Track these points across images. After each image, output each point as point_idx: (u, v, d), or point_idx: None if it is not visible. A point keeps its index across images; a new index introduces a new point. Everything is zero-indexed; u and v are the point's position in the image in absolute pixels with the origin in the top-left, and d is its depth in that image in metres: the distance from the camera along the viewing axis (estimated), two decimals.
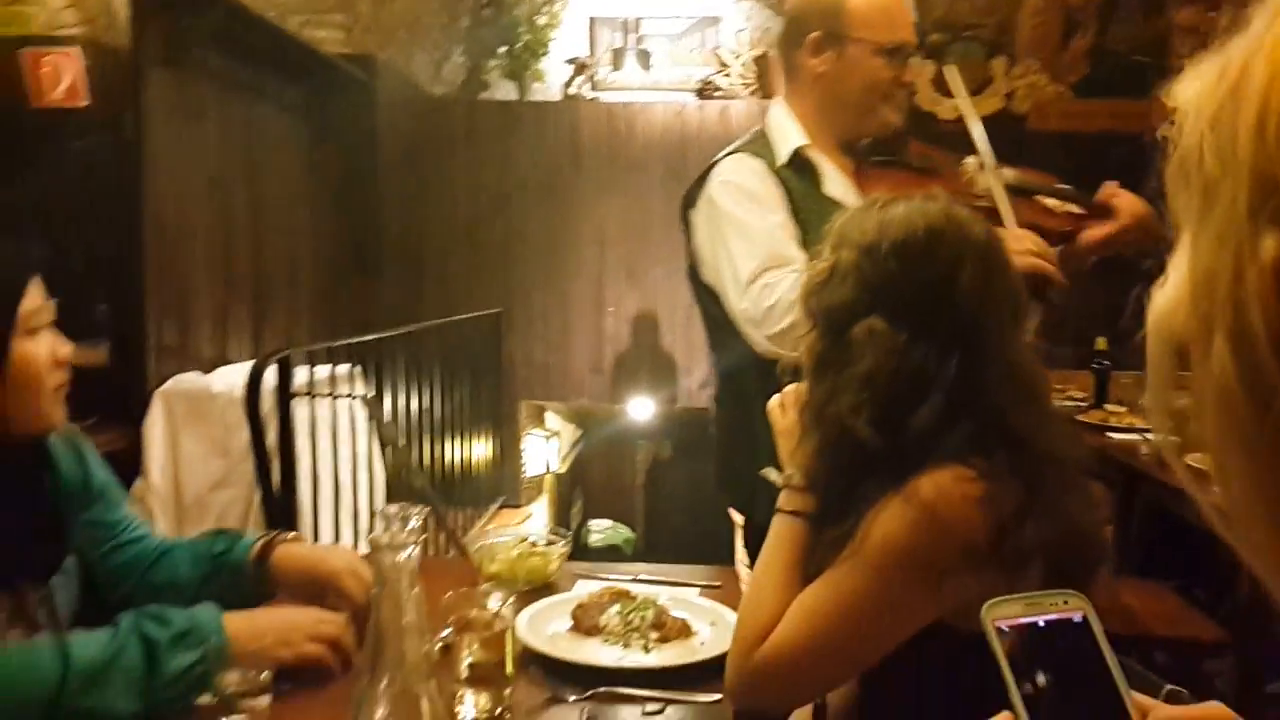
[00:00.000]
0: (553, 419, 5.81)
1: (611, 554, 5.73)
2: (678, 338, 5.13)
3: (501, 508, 4.94)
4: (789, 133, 1.76)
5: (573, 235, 5.11)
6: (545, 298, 5.16)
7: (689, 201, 1.84)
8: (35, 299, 1.22)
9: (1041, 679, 0.56)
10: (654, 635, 1.37)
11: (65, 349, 1.27)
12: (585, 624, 1.40)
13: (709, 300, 1.82)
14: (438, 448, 4.07)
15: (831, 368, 1.13)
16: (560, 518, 5.78)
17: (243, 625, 1.22)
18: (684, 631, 1.39)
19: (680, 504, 7.27)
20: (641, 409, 5.34)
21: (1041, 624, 0.58)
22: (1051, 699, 0.55)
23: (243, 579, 1.41)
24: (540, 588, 1.59)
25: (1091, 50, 4.02)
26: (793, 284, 1.52)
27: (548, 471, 5.54)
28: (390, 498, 3.59)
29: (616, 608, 1.42)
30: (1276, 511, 0.34)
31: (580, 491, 6.38)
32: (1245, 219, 0.33)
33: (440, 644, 1.20)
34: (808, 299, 1.17)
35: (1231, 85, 0.34)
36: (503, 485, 5.09)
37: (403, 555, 0.97)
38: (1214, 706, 0.64)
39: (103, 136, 3.08)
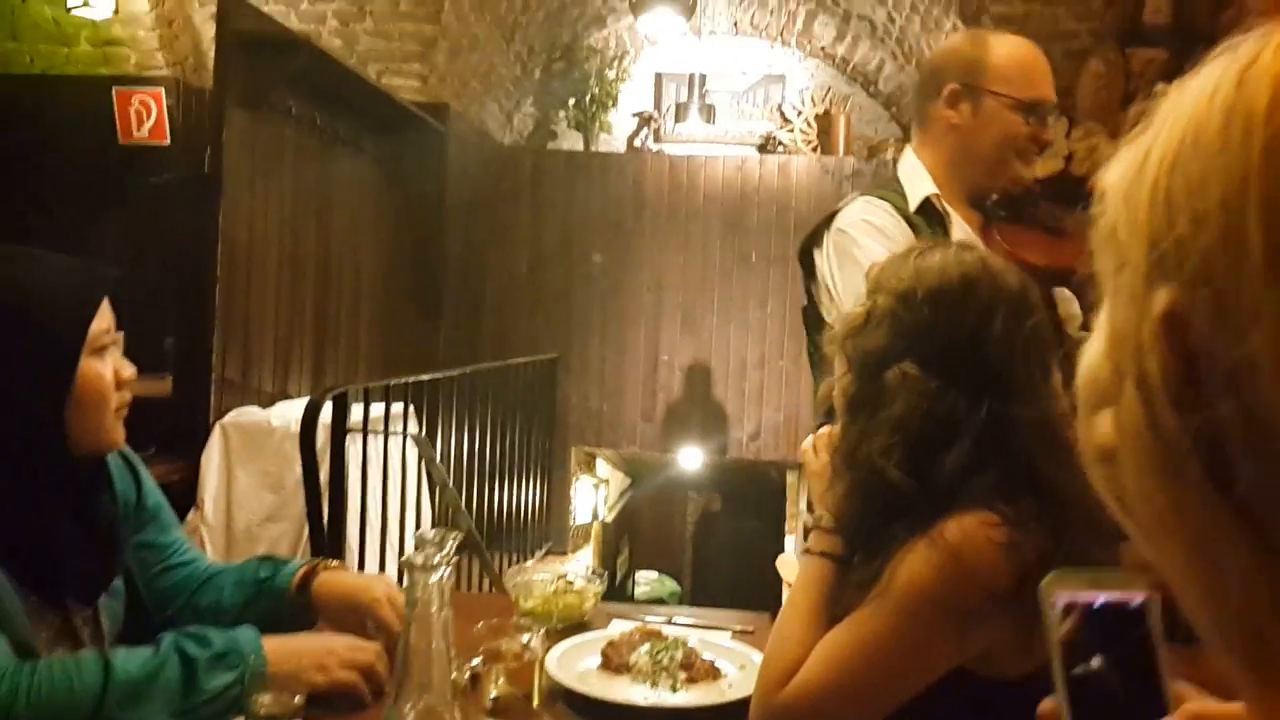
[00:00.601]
0: (603, 466, 5.82)
1: (659, 605, 5.70)
2: (730, 389, 5.14)
3: (547, 554, 4.94)
4: (920, 180, 1.75)
5: (631, 283, 5.18)
6: (601, 344, 5.21)
7: (813, 241, 1.81)
8: (105, 319, 1.27)
9: (1091, 663, 0.57)
10: (682, 676, 1.37)
11: (129, 370, 1.32)
12: (615, 662, 1.41)
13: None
14: (487, 490, 4.10)
15: (864, 411, 1.14)
16: (606, 566, 5.77)
17: (280, 648, 1.24)
18: (712, 673, 1.39)
19: (728, 557, 7.22)
20: (692, 459, 5.34)
21: (1098, 605, 0.59)
22: (1096, 683, 0.56)
23: (284, 605, 1.43)
24: (575, 625, 1.60)
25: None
26: None
27: (595, 519, 5.54)
28: None
29: (646, 647, 1.42)
30: (1185, 543, 0.37)
31: (627, 540, 6.37)
32: (1143, 278, 0.38)
33: (469, 673, 1.22)
34: (844, 342, 1.19)
35: (1139, 165, 0.39)
36: (550, 531, 5.10)
37: (434, 577, 0.99)
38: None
39: (183, 172, 3.21)
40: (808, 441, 1.28)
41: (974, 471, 1.06)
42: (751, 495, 6.60)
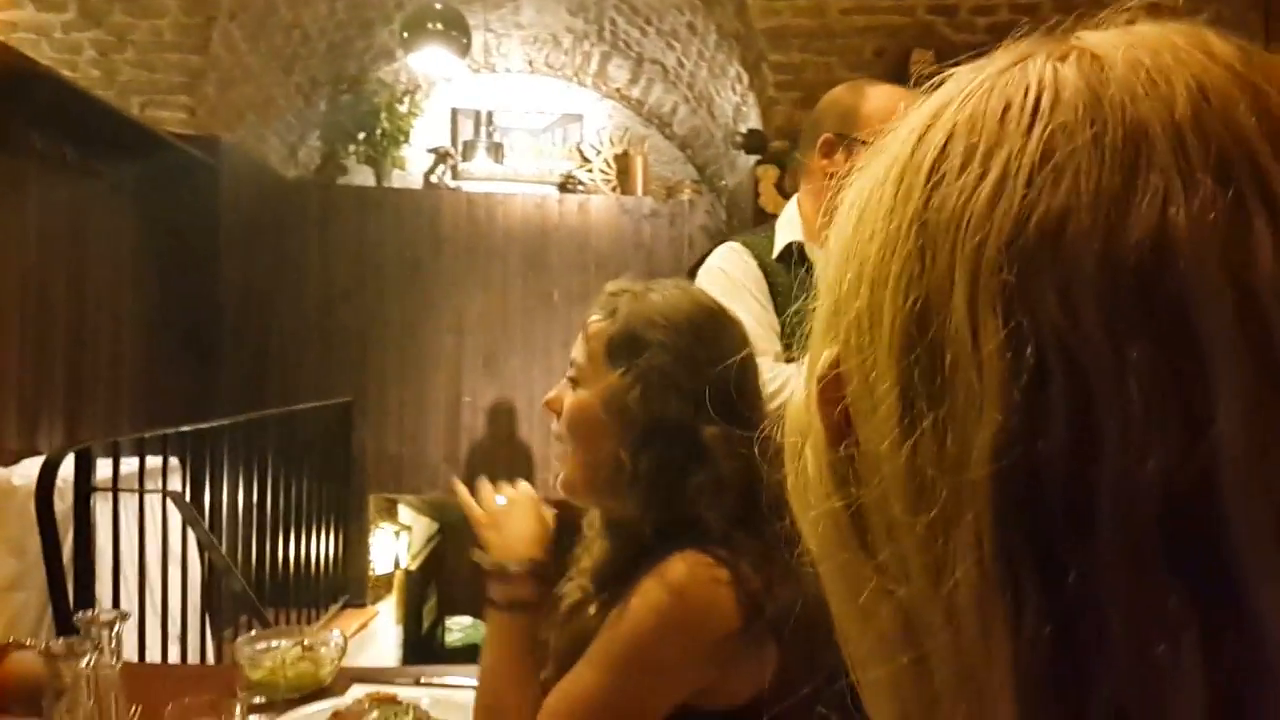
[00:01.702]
0: (405, 513, 5.64)
1: (473, 654, 5.53)
2: (535, 428, 5.08)
3: (345, 607, 4.71)
4: (790, 228, 1.80)
5: (430, 324, 5.05)
6: (400, 387, 5.05)
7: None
8: None
9: None
10: None
11: None
12: None
13: None
14: (271, 545, 3.87)
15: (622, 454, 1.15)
16: (411, 616, 5.56)
17: None
18: None
19: None
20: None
21: None
22: None
23: None
24: (312, 695, 1.49)
25: None
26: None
27: (397, 568, 5.34)
28: (208, 600, 3.39)
29: (374, 714, 1.34)
30: (851, 606, 0.34)
31: (434, 588, 6.17)
32: (820, 336, 0.35)
33: None
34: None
35: (845, 203, 0.36)
36: (347, 584, 4.87)
37: (82, 663, 0.89)
38: None
39: None
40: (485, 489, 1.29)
41: (712, 503, 1.07)
42: (562, 538, 6.54)
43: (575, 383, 1.21)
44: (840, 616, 0.36)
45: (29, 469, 3.07)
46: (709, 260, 1.82)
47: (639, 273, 5.05)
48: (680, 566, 1.06)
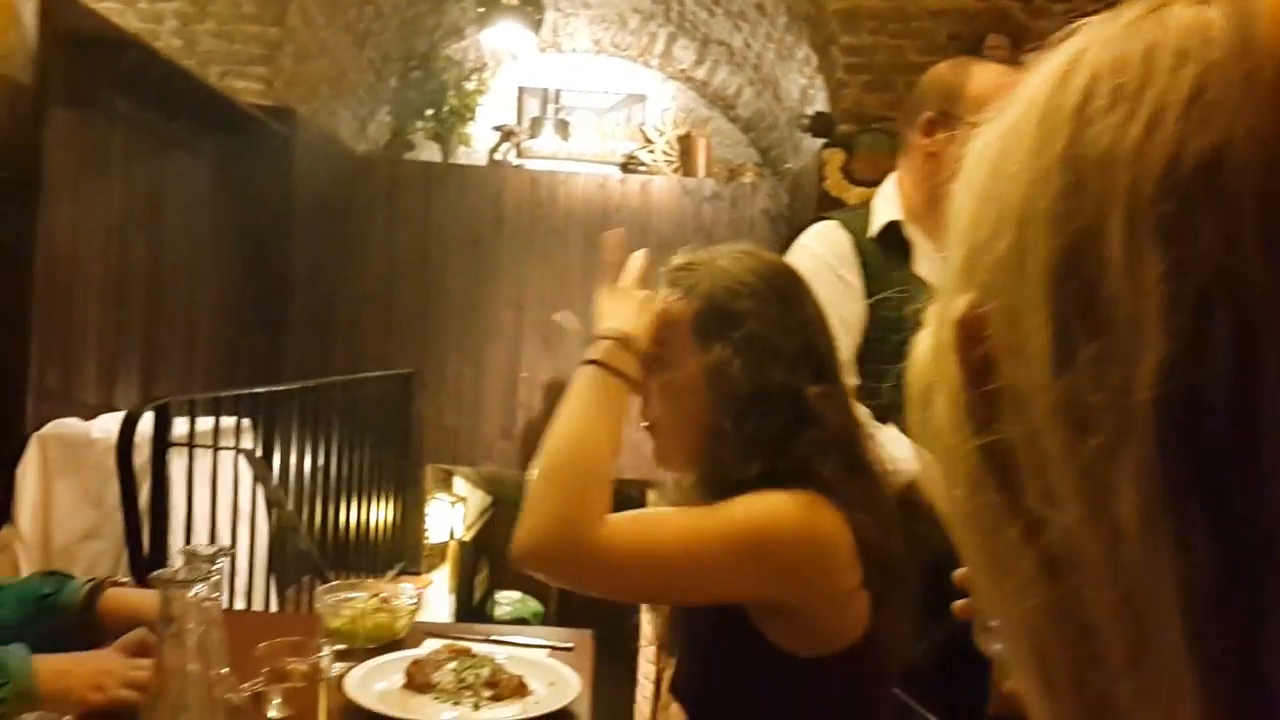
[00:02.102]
0: (460, 484, 5.72)
1: (519, 625, 5.62)
2: None
3: (400, 574, 4.81)
4: (888, 207, 1.75)
5: (490, 299, 5.11)
6: (459, 360, 5.12)
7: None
8: None
9: None
10: (486, 693, 1.34)
11: None
12: (418, 681, 1.36)
13: None
14: (335, 509, 3.96)
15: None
16: (463, 586, 5.66)
17: (53, 668, 1.20)
18: (519, 690, 1.36)
19: None
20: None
21: None
22: None
23: (68, 622, 1.38)
24: (387, 646, 1.54)
25: None
26: None
27: (451, 538, 5.43)
28: (273, 558, 3.48)
29: (453, 665, 1.38)
30: (984, 551, 0.35)
31: (486, 560, 6.26)
32: (955, 275, 0.36)
33: (247, 693, 1.16)
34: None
35: (976, 150, 0.37)
36: (403, 551, 4.97)
37: (190, 592, 0.93)
38: None
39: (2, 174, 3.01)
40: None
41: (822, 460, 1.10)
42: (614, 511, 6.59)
43: (656, 366, 1.20)
44: (975, 560, 0.36)
45: (107, 424, 3.18)
46: (801, 237, 1.78)
47: None
48: (804, 495, 1.08)
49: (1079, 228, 0.31)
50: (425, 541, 5.24)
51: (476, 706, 1.32)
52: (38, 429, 3.09)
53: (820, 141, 4.34)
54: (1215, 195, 0.28)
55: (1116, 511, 0.29)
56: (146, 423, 2.75)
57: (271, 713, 1.12)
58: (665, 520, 1.12)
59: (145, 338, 3.66)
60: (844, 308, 1.63)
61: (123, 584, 1.44)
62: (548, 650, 1.57)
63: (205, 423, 3.07)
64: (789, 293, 1.18)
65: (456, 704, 1.32)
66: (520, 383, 5.14)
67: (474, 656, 1.42)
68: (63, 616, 1.38)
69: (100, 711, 1.18)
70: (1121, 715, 0.30)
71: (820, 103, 4.42)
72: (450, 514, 5.43)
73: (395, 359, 4.87)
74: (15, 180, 3.05)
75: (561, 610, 7.10)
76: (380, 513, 4.60)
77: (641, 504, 5.95)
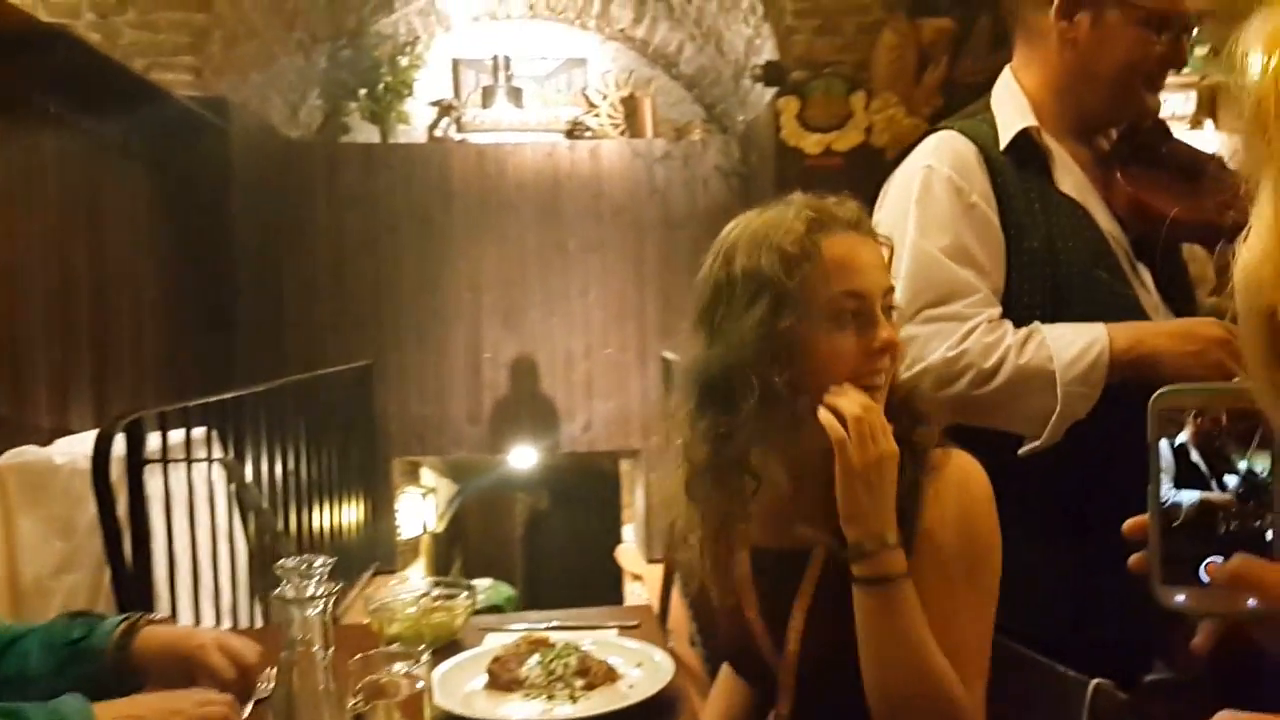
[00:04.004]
0: (429, 475, 5.58)
1: (493, 614, 5.51)
2: (558, 382, 5.02)
3: (376, 574, 4.67)
4: (1016, 110, 1.42)
5: (445, 281, 4.96)
6: (418, 347, 4.97)
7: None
8: None
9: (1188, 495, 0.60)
10: (579, 683, 1.25)
11: None
12: (504, 678, 1.26)
13: None
14: (305, 513, 3.81)
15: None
16: (440, 579, 5.54)
17: (117, 714, 1.07)
18: (610, 676, 1.27)
19: (561, 554, 7.10)
20: (524, 457, 5.18)
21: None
22: (1192, 514, 0.60)
23: (103, 667, 1.22)
24: (447, 646, 1.44)
25: (944, 83, 4.17)
26: (950, 336, 1.30)
27: (425, 532, 5.30)
28: (254, 571, 3.33)
29: (536, 658, 1.29)
30: None
31: (459, 550, 6.14)
32: None
33: (351, 715, 1.05)
34: None
35: None
36: (377, 550, 4.82)
37: (313, 611, 0.83)
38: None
39: None
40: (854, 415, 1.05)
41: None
42: (583, 489, 6.52)
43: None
44: None
45: (68, 447, 2.98)
46: (916, 157, 1.42)
47: (655, 217, 4.97)
48: (948, 463, 1.11)
49: None
50: (398, 538, 5.09)
51: (573, 698, 1.22)
52: None
53: (770, 92, 4.27)
54: None
55: None
56: (117, 441, 2.58)
57: None
58: (967, 622, 1.09)
59: (94, 352, 3.45)
60: (981, 245, 1.35)
61: (158, 621, 1.30)
62: (616, 630, 1.49)
63: (174, 435, 2.89)
64: None
65: (551, 698, 1.23)
66: (484, 364, 5.01)
67: (555, 646, 1.32)
68: (96, 661, 1.23)
69: None
70: None
71: (768, 52, 4.34)
72: (421, 506, 5.29)
73: (352, 351, 4.70)
74: None
75: (528, 591, 7.02)
76: (351, 512, 4.45)
77: (615, 475, 5.88)
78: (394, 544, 5.06)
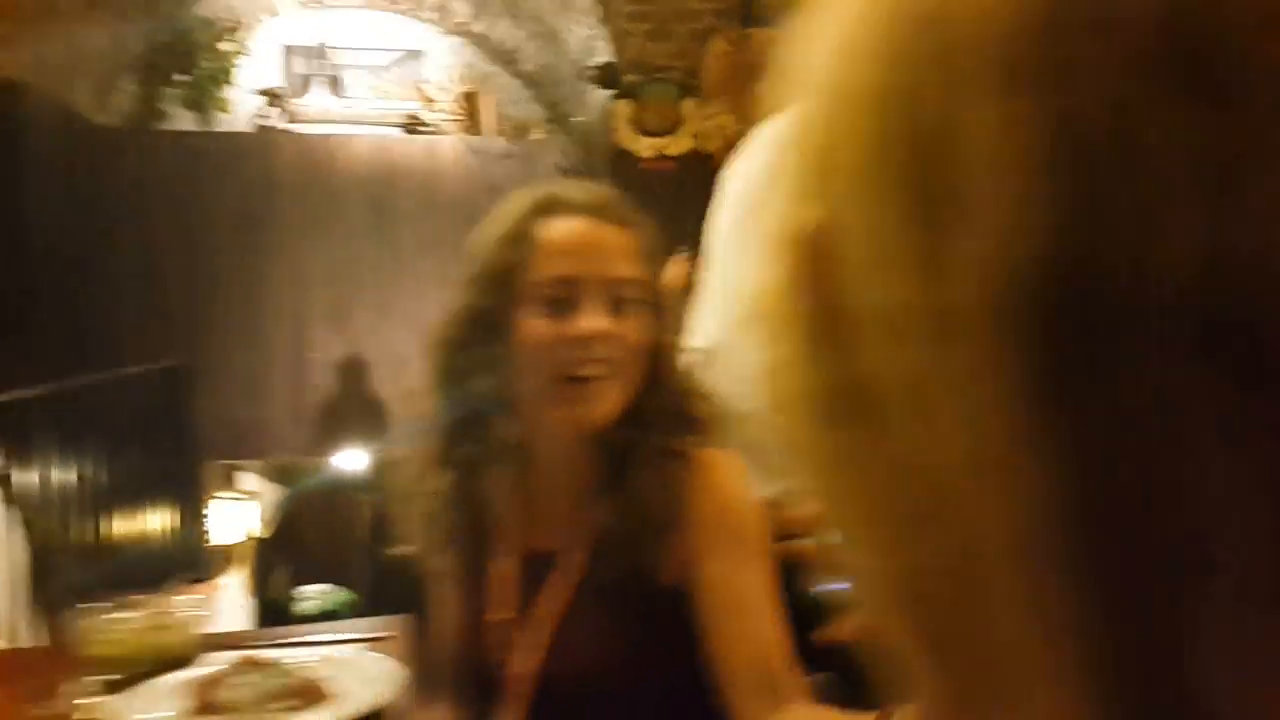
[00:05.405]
0: (249, 479, 5.33)
1: (329, 620, 5.32)
2: (387, 382, 4.87)
3: (186, 583, 4.41)
4: None
5: (269, 277, 4.73)
6: (239, 348, 4.72)
7: None
8: None
9: None
10: (291, 703, 1.17)
11: None
12: (206, 701, 1.18)
13: None
14: (102, 524, 3.57)
15: None
16: (259, 587, 5.29)
17: None
18: (321, 695, 1.20)
19: (410, 555, 6.90)
20: (355, 460, 5.00)
21: None
22: None
23: None
24: (170, 667, 1.34)
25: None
26: None
27: (246, 538, 5.06)
28: (36, 585, 3.08)
29: (245, 678, 1.20)
30: (854, 490, 0.29)
31: (286, 556, 5.89)
32: (795, 198, 0.30)
33: None
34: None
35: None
36: (187, 559, 4.56)
37: None
38: None
39: None
40: None
41: None
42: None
43: None
44: (834, 507, 0.31)
45: None
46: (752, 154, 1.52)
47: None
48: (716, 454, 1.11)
49: (937, 99, 0.24)
50: (208, 545, 4.83)
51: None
52: None
53: (608, 93, 4.25)
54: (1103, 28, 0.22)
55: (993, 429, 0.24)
56: None
57: None
58: (753, 596, 1.06)
59: None
60: None
61: None
62: (364, 644, 1.42)
63: None
64: None
65: None
66: (310, 365, 4.81)
67: (270, 666, 1.24)
68: None
69: None
70: (1006, 661, 0.25)
71: (605, 53, 4.32)
72: (239, 512, 5.04)
73: (163, 352, 4.42)
74: None
75: (376, 593, 6.80)
76: (156, 521, 4.20)
77: None
78: (204, 552, 4.80)
